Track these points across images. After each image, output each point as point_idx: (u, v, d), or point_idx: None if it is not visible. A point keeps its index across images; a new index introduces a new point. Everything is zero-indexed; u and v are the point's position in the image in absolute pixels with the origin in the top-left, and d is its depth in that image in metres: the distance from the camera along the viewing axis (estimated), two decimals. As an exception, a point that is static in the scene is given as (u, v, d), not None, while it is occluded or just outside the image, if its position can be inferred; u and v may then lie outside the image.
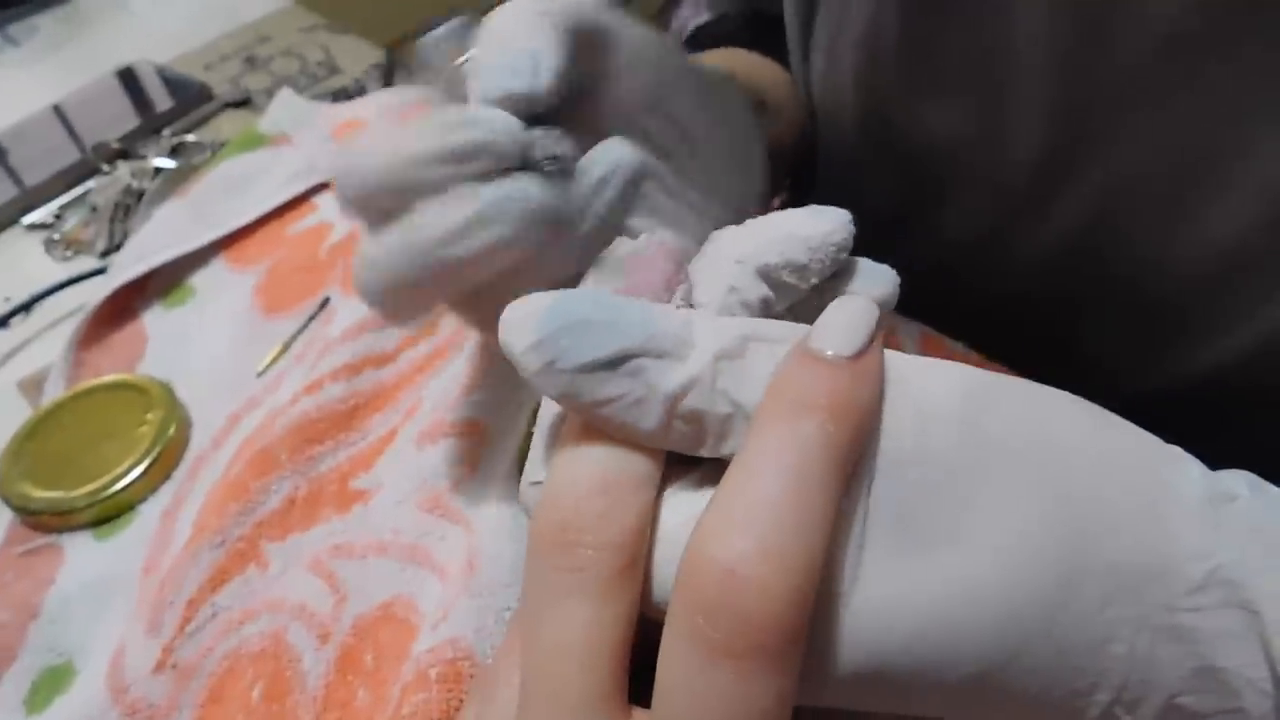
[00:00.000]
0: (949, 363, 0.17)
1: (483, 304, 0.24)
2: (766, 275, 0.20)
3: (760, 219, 0.21)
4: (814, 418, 0.15)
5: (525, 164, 0.22)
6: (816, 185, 0.45)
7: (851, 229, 0.20)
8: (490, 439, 0.34)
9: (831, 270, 0.21)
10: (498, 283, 0.22)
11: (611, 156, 0.23)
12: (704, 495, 0.17)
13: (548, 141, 0.22)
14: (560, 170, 0.22)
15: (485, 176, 0.22)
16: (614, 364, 0.16)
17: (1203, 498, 0.16)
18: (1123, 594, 0.16)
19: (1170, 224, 0.31)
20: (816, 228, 0.20)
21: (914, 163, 0.38)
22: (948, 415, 0.16)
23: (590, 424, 0.16)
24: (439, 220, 0.21)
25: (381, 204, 0.22)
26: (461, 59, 0.24)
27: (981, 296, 0.39)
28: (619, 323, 0.16)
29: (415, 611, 0.29)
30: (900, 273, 0.21)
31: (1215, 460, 0.18)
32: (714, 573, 0.14)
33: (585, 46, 0.24)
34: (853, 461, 0.15)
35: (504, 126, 0.22)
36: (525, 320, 0.16)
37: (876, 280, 0.22)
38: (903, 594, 0.15)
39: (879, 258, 0.21)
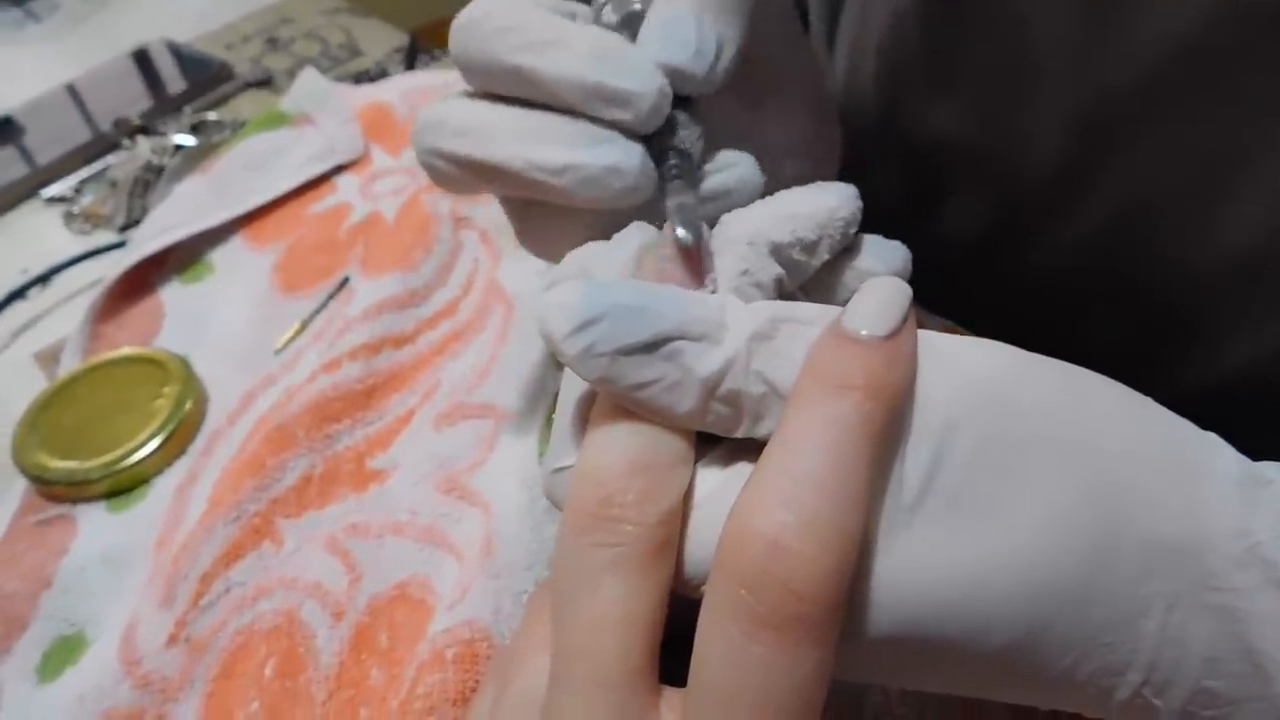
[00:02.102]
0: (986, 340, 0.17)
1: (534, 218, 0.24)
2: (778, 254, 0.20)
3: (766, 199, 0.21)
4: (850, 396, 0.15)
5: (652, 140, 0.21)
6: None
7: (858, 204, 0.21)
8: (508, 420, 0.34)
9: (841, 246, 0.21)
10: (553, 205, 0.22)
11: (744, 175, 0.22)
12: (733, 471, 0.17)
13: (688, 134, 0.21)
14: (680, 173, 0.21)
15: (602, 124, 0.20)
16: (652, 347, 0.16)
17: (1238, 479, 0.16)
18: (1158, 569, 0.15)
19: (1186, 230, 0.31)
20: (824, 203, 0.21)
21: (929, 165, 0.38)
22: (985, 390, 0.16)
23: (626, 407, 0.16)
24: (542, 144, 0.21)
25: (490, 76, 0.22)
26: None
27: (993, 301, 0.38)
28: (655, 308, 0.16)
29: (431, 592, 0.29)
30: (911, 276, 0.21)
31: None
32: (757, 544, 0.14)
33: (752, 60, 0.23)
34: (888, 438, 0.15)
35: (658, 95, 0.20)
36: (564, 307, 0.16)
37: (887, 255, 0.22)
38: (937, 564, 0.15)
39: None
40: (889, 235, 0.22)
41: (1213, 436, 0.17)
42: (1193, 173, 0.30)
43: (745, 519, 0.14)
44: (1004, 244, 0.37)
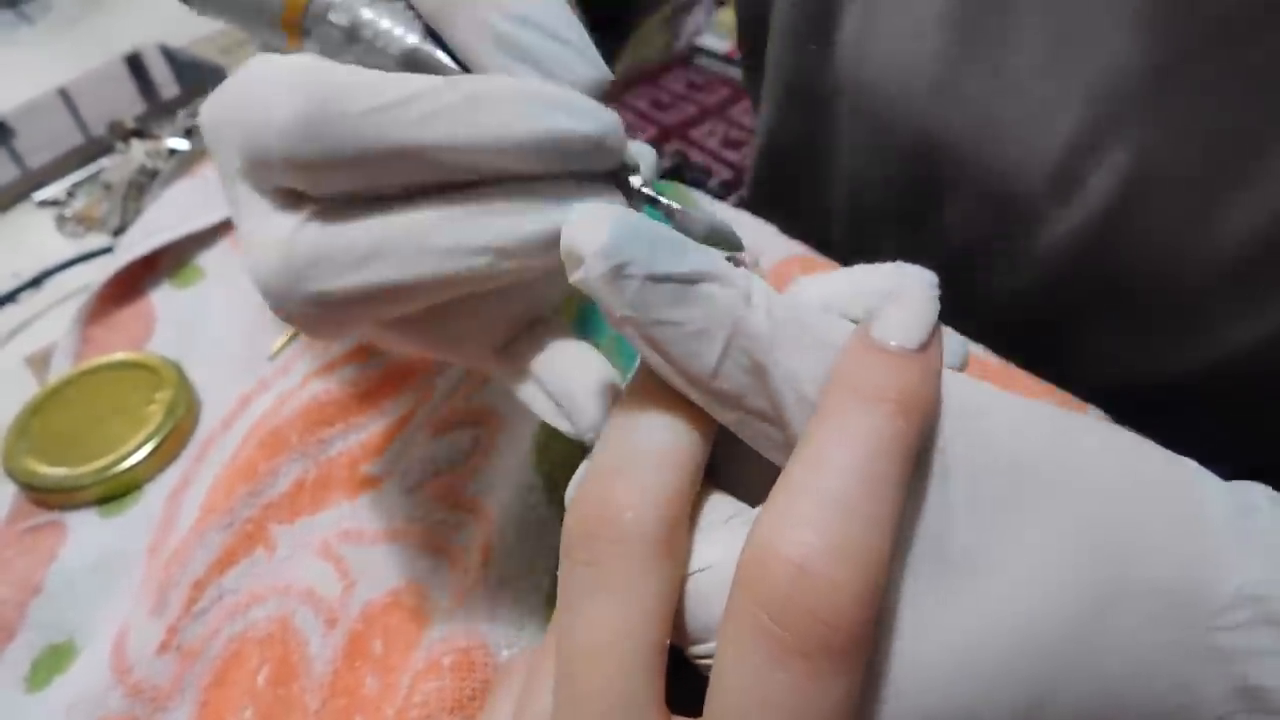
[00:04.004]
0: (976, 381, 0.17)
1: (436, 323, 0.20)
2: None
3: (845, 271, 0.20)
4: (882, 410, 0.14)
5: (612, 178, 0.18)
6: (821, 173, 0.44)
7: (937, 292, 0.19)
8: (505, 427, 0.34)
9: None
10: (469, 301, 0.19)
11: (710, 222, 0.19)
12: (739, 520, 0.16)
13: (648, 157, 0.19)
14: (649, 202, 0.18)
15: (560, 181, 0.17)
16: (686, 281, 0.15)
17: (1228, 513, 0.16)
18: (1160, 617, 0.15)
19: (1189, 215, 0.31)
20: (906, 293, 0.19)
21: (937, 147, 0.37)
22: (979, 438, 0.16)
23: (646, 354, 0.16)
24: (504, 222, 0.17)
25: (375, 169, 0.17)
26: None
27: (995, 288, 0.38)
28: (690, 247, 0.15)
29: (426, 599, 0.29)
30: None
31: (1218, 451, 0.18)
32: (782, 568, 0.13)
33: None
34: (916, 458, 0.15)
35: (614, 124, 0.17)
36: (598, 222, 0.15)
37: (951, 348, 0.20)
38: (940, 634, 0.14)
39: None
40: (889, 232, 0.22)
41: (1202, 470, 0.17)
42: (1200, 156, 0.29)
43: (769, 541, 0.13)
44: (1005, 231, 0.37)
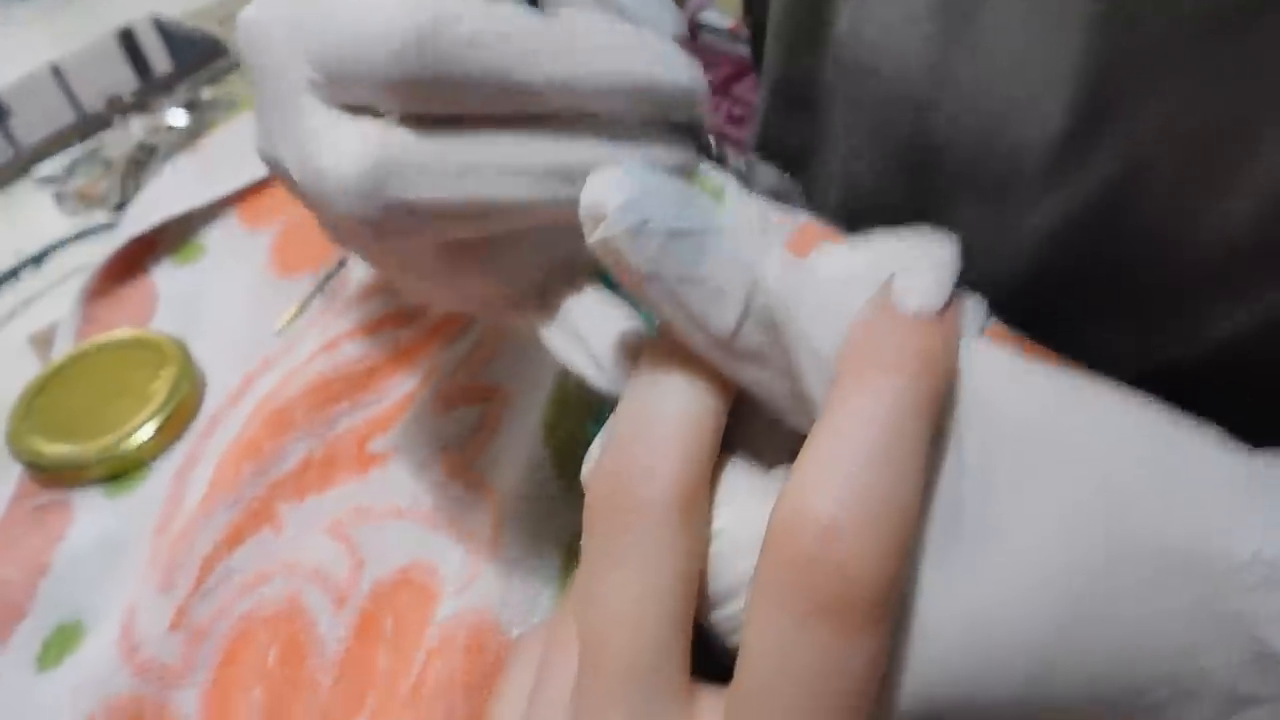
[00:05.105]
0: (980, 342, 0.17)
1: (493, 254, 0.20)
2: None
3: (865, 240, 0.20)
4: (905, 373, 0.14)
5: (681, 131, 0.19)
6: (815, 165, 0.44)
7: (959, 263, 0.19)
8: (512, 403, 0.33)
9: None
10: (526, 235, 0.20)
11: (772, 180, 0.21)
12: (761, 484, 0.16)
13: (713, 116, 0.20)
14: (719, 160, 0.19)
15: (638, 129, 0.18)
16: (705, 237, 0.15)
17: (1240, 476, 0.16)
18: (1173, 584, 0.15)
19: (1186, 201, 0.30)
20: (924, 259, 0.19)
21: (932, 135, 0.37)
22: (985, 398, 0.15)
23: (663, 314, 0.15)
24: (597, 153, 0.18)
25: (469, 96, 0.17)
26: None
27: (990, 278, 0.38)
28: (709, 204, 0.15)
29: (436, 577, 0.28)
30: None
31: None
32: (810, 528, 0.13)
33: None
34: (938, 421, 0.14)
35: (702, 80, 0.18)
36: (618, 178, 0.15)
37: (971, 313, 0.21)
38: (952, 602, 0.14)
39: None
40: (884, 223, 0.21)
41: (1212, 431, 0.17)
42: (1199, 137, 0.29)
43: (797, 503, 0.13)
44: (999, 213, 0.36)
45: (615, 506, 0.15)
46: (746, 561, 0.15)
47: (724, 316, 0.15)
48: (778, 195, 0.18)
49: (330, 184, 0.17)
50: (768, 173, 0.19)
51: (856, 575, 0.13)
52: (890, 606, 0.13)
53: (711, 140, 0.19)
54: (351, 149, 0.17)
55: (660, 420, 0.16)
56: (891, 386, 0.14)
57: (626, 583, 0.15)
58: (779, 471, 0.17)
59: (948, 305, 0.15)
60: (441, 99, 0.17)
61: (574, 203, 0.17)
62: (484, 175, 0.17)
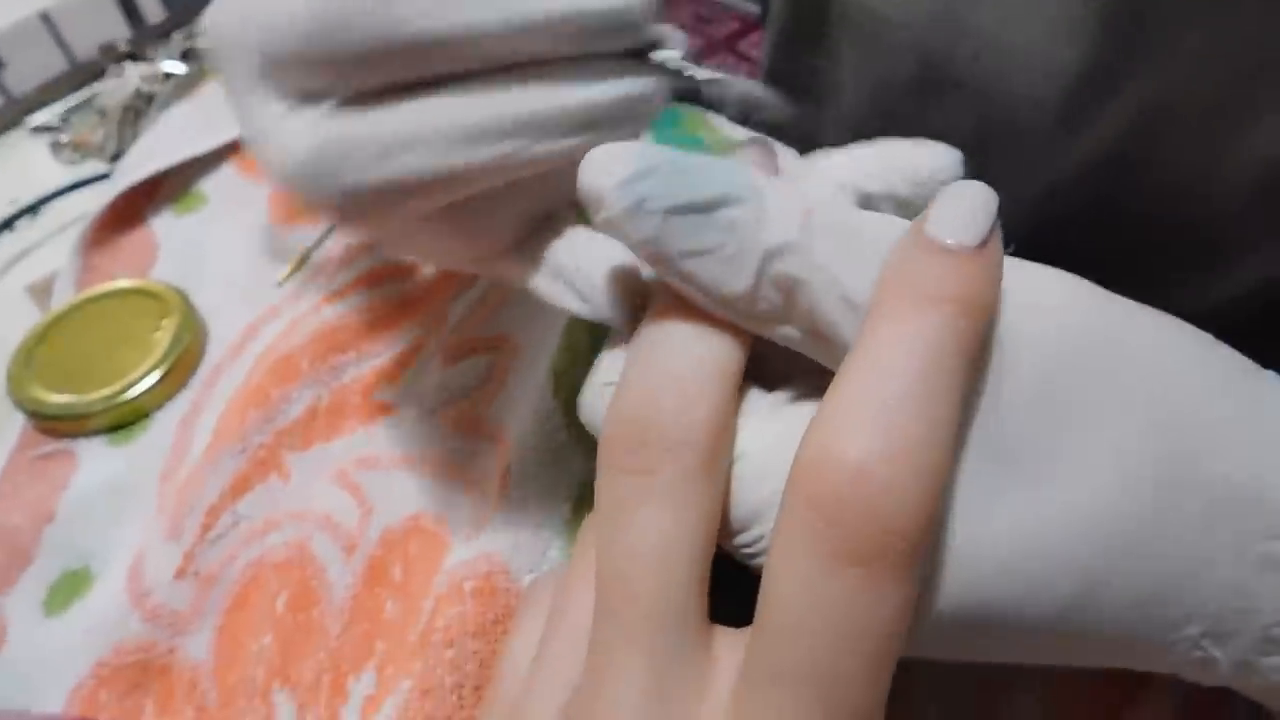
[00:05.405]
0: (1038, 268, 0.16)
1: (459, 218, 0.20)
2: (864, 203, 0.19)
3: (865, 146, 0.19)
4: (942, 310, 0.13)
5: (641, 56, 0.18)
6: (823, 112, 0.43)
7: (962, 169, 0.19)
8: (520, 353, 0.33)
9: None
10: (497, 191, 0.19)
11: (747, 88, 0.20)
12: (783, 410, 0.16)
13: (678, 37, 0.19)
14: (685, 81, 0.18)
15: (601, 59, 0.17)
16: (708, 208, 0.14)
17: None
18: (1222, 518, 0.14)
19: (1206, 147, 0.30)
20: (926, 163, 0.19)
21: (941, 80, 0.36)
22: (1047, 323, 0.15)
23: (674, 285, 0.15)
24: (532, 101, 0.17)
25: (393, 63, 0.16)
26: None
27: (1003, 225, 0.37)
28: (713, 170, 0.15)
29: (444, 525, 0.28)
30: None
31: None
32: (839, 471, 0.13)
33: None
34: (977, 360, 0.14)
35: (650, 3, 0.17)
36: (614, 158, 0.15)
37: None
38: (993, 528, 0.14)
39: None
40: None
41: (1270, 374, 0.16)
42: (1220, 81, 0.28)
43: (826, 442, 0.13)
44: (1015, 157, 0.36)
45: (643, 444, 0.15)
46: (770, 485, 0.15)
47: (738, 282, 0.15)
48: (753, 105, 0.18)
49: (284, 175, 0.18)
50: (741, 84, 0.18)
51: (888, 521, 0.12)
52: (922, 552, 0.13)
53: (679, 57, 0.18)
54: (298, 139, 0.17)
55: (685, 362, 0.15)
56: (930, 323, 0.13)
57: (654, 522, 0.14)
58: (805, 402, 0.16)
59: (989, 236, 0.14)
60: (368, 70, 0.17)
61: (536, 156, 0.17)
62: (432, 143, 0.17)
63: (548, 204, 0.21)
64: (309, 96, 0.17)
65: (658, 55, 0.18)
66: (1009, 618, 0.14)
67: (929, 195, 0.18)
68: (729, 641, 0.15)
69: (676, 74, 0.18)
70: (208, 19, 0.19)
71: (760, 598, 0.14)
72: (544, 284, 0.20)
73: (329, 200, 0.17)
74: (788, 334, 0.16)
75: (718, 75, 0.18)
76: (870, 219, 0.16)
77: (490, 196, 0.19)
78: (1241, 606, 0.15)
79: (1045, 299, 0.15)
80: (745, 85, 0.18)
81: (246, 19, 0.18)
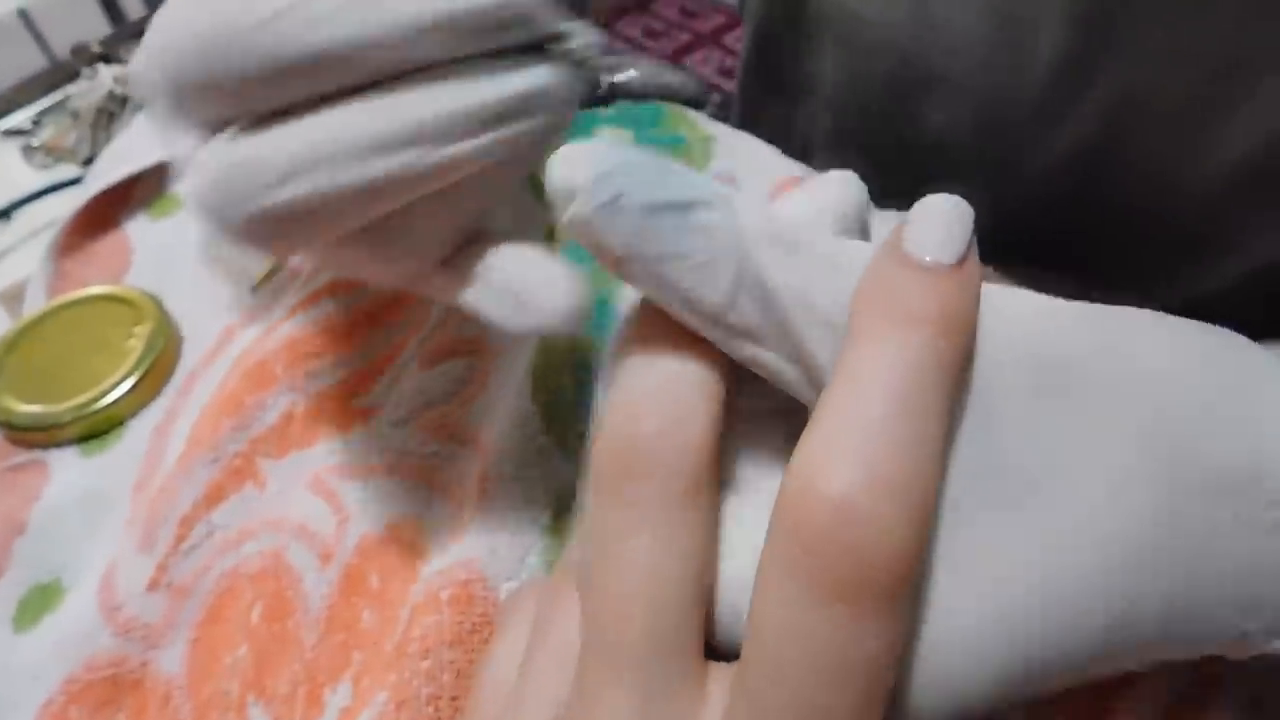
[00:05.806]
0: (1013, 288, 0.16)
1: (376, 240, 0.19)
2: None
3: (796, 191, 0.18)
4: (922, 332, 0.13)
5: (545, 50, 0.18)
6: (801, 109, 0.42)
7: (865, 190, 0.19)
8: (498, 357, 0.32)
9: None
10: (413, 209, 0.18)
11: (655, 72, 0.20)
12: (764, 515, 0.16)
13: (585, 31, 0.18)
14: (591, 69, 0.18)
15: (499, 57, 0.17)
16: (685, 209, 0.14)
17: None
18: (1232, 501, 0.14)
19: (1182, 141, 0.30)
20: (851, 196, 0.18)
21: (919, 76, 0.36)
22: (1023, 343, 0.15)
23: (647, 292, 0.15)
24: (425, 107, 0.16)
25: (287, 81, 0.16)
26: None
27: (982, 216, 0.37)
28: (685, 174, 0.14)
29: (422, 533, 0.28)
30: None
31: None
32: (822, 505, 0.12)
33: None
34: (959, 380, 0.14)
35: None
36: (586, 154, 0.14)
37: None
38: (999, 563, 0.13)
39: (881, 191, 0.19)
40: (869, 144, 0.20)
41: (1254, 345, 0.16)
42: (1194, 77, 0.28)
43: (808, 476, 0.12)
44: (994, 154, 0.35)
45: (628, 476, 0.14)
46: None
47: (715, 290, 0.14)
48: (666, 88, 0.17)
49: (195, 205, 0.18)
50: (658, 71, 0.18)
51: (873, 555, 0.12)
52: (909, 586, 0.13)
53: (570, 51, 0.18)
54: (204, 169, 0.17)
55: (668, 388, 0.15)
56: (908, 344, 0.13)
57: (641, 556, 0.14)
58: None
59: (965, 253, 0.14)
60: (260, 93, 0.16)
61: (440, 162, 0.17)
62: (333, 159, 0.16)
63: (469, 219, 0.20)
64: (216, 125, 0.17)
65: (559, 47, 0.17)
66: (1049, 656, 0.13)
67: (858, 224, 0.18)
68: (722, 676, 0.15)
69: (580, 64, 0.17)
70: (132, 65, 0.20)
71: (745, 633, 0.13)
72: (476, 299, 0.20)
73: (233, 227, 0.17)
74: (765, 359, 0.15)
75: (624, 59, 0.18)
76: (835, 237, 0.15)
77: (407, 214, 0.18)
78: (1260, 591, 0.14)
79: (1023, 318, 0.15)
80: (654, 69, 0.18)
81: (156, 58, 0.18)
